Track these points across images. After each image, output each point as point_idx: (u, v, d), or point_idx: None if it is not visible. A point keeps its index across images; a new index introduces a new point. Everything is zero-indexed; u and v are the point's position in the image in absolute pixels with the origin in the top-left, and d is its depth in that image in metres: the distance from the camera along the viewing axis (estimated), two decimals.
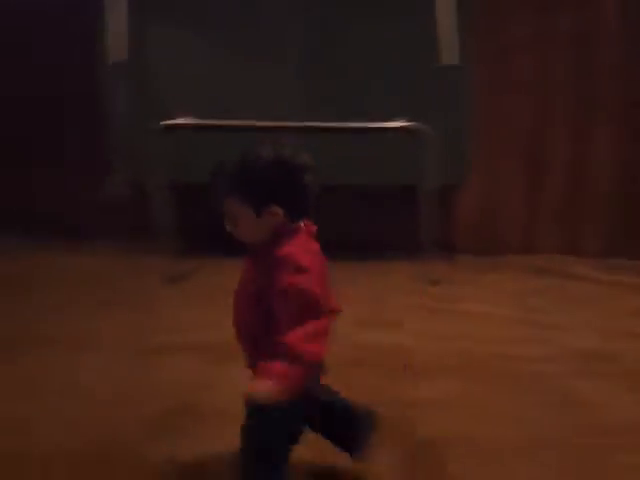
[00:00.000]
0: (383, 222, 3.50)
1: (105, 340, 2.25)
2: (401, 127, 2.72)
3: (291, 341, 1.13)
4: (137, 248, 3.30)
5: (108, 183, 3.42)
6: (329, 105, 2.84)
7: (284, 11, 2.81)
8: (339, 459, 1.45)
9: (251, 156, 1.24)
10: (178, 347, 2.19)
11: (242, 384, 1.83)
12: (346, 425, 1.43)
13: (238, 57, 2.79)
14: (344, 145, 2.86)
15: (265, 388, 1.11)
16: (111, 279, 2.94)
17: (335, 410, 1.43)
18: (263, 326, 1.21)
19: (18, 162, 3.56)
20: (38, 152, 3.53)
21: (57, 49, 3.32)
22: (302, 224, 1.26)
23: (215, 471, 1.45)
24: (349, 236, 3.32)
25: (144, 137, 2.75)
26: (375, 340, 2.28)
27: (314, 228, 1.30)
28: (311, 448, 1.41)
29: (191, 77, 2.78)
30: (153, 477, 1.43)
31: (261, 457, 1.26)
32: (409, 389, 1.88)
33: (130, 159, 2.88)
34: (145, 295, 2.73)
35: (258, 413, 1.21)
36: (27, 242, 3.48)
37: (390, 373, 2.00)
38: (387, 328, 2.42)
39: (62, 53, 3.32)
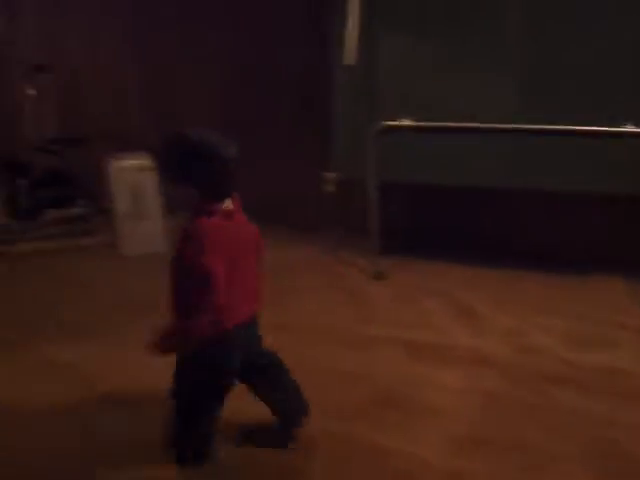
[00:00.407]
0: (599, 232, 3.19)
1: (321, 323, 2.45)
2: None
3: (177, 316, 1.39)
4: (343, 243, 3.51)
5: (326, 179, 3.67)
6: (548, 107, 2.70)
7: (506, 10, 2.73)
8: None
9: (175, 139, 1.42)
10: (389, 341, 2.31)
11: (448, 384, 1.87)
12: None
13: (459, 59, 2.79)
14: (569, 150, 2.70)
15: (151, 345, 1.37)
16: (327, 268, 3.16)
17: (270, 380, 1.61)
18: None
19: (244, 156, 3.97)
20: (263, 146, 3.89)
21: (293, 51, 3.64)
22: (221, 204, 1.40)
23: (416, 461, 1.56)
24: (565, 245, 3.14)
25: (364, 137, 2.90)
26: (584, 359, 2.16)
27: (231, 208, 1.43)
28: None
29: (412, 79, 2.85)
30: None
31: (185, 399, 1.47)
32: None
33: (348, 158, 3.03)
34: (356, 288, 2.88)
35: (181, 362, 1.46)
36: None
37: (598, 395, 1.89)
38: (599, 347, 2.27)
39: (296, 55, 3.63)
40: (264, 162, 3.88)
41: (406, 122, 2.81)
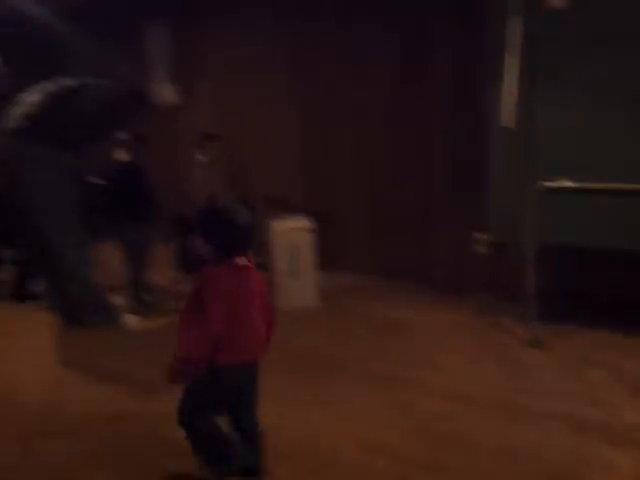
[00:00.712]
0: None
1: (478, 392, 2.40)
2: None
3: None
4: (496, 306, 3.44)
5: (478, 241, 3.65)
6: None
7: None
8: None
9: (204, 211, 1.89)
10: (554, 416, 2.20)
11: (622, 467, 1.73)
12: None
13: (619, 120, 2.69)
14: None
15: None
16: (476, 334, 3.09)
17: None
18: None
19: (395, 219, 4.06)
20: (416, 209, 3.96)
21: (448, 115, 3.72)
22: (233, 259, 1.70)
23: None
24: None
25: (522, 199, 2.87)
26: None
27: (241, 264, 1.70)
28: None
29: (571, 141, 2.79)
30: None
31: (190, 418, 1.73)
32: None
33: (504, 220, 3.00)
34: (511, 355, 2.79)
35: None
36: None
37: None
38: None
39: (452, 118, 3.70)
40: (416, 224, 3.96)
41: (566, 183, 2.74)
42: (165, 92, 5.08)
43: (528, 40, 2.78)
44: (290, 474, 1.89)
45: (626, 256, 2.98)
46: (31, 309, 3.66)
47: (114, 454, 2.04)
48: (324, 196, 4.46)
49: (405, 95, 3.88)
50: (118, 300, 3.63)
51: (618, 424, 2.12)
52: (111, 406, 2.36)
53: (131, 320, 3.35)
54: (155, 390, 2.46)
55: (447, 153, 3.76)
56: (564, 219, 2.83)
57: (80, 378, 2.67)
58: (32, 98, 3.00)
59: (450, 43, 3.59)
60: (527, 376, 2.56)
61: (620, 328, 3.00)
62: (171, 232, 4.24)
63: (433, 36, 3.66)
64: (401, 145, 3.97)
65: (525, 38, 2.77)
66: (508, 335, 3.04)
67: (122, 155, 3.79)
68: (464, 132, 3.65)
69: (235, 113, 4.80)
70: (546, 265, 3.27)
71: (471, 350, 2.87)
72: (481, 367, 2.66)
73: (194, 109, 5.14)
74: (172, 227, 4.23)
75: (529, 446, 2.00)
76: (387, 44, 3.87)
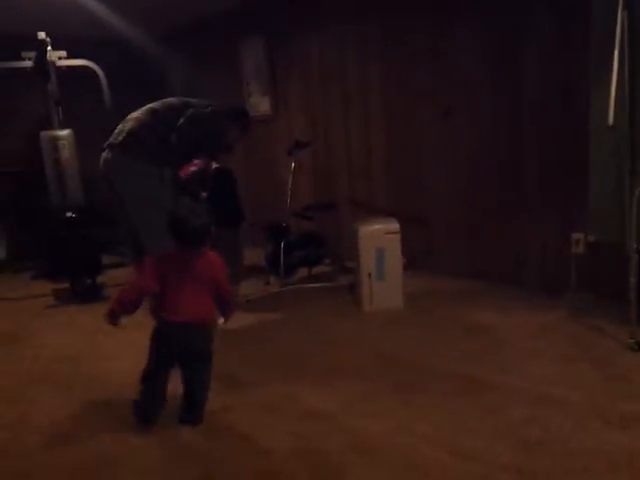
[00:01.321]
0: None
1: (570, 396, 2.31)
2: None
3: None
4: (592, 309, 3.30)
5: (575, 241, 3.53)
6: None
7: None
8: None
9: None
10: None
11: None
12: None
13: None
14: None
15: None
16: (570, 337, 2.97)
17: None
18: None
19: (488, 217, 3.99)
20: (512, 207, 3.86)
21: (544, 116, 3.62)
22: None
23: None
24: None
25: (623, 198, 2.75)
26: None
27: (182, 255, 2.32)
28: None
29: None
30: None
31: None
32: None
33: (604, 220, 2.87)
34: (606, 358, 2.67)
35: None
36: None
37: None
38: None
39: (549, 119, 3.60)
40: (508, 220, 3.87)
41: None
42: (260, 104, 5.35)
43: (632, 31, 2.64)
44: (381, 476, 1.91)
45: None
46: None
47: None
48: (411, 197, 4.46)
49: (497, 94, 3.81)
50: None
51: None
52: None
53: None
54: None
55: (542, 151, 3.65)
56: None
57: None
58: (136, 115, 3.23)
59: (549, 41, 3.48)
60: (625, 380, 2.43)
61: None
62: (265, 237, 4.41)
63: (529, 35, 3.56)
64: (493, 144, 3.89)
65: (629, 29, 2.64)
66: (605, 338, 2.90)
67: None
68: (560, 129, 3.53)
69: (325, 119, 4.90)
70: None
71: (565, 353, 2.76)
72: (575, 371, 2.56)
73: (288, 118, 5.33)
74: (265, 233, 4.40)
75: (625, 452, 1.91)
76: (482, 44, 3.82)
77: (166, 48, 6.22)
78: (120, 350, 3.20)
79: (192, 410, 2.33)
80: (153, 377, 2.30)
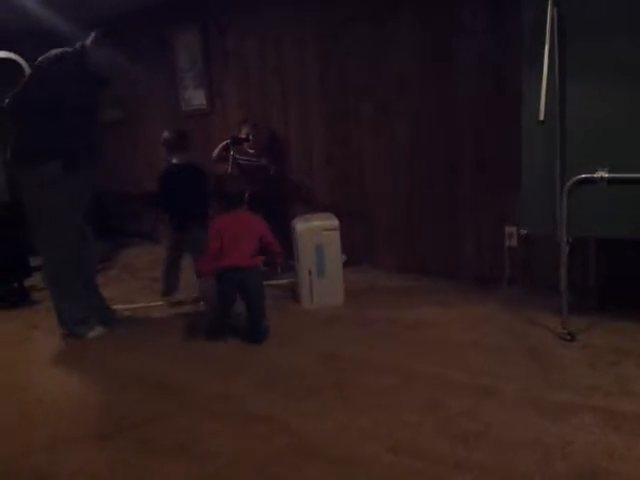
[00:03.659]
0: None
1: (506, 387, 2.36)
2: None
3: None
4: (526, 300, 3.40)
5: (508, 234, 3.62)
6: None
7: None
8: None
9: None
10: (585, 409, 2.16)
11: None
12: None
13: None
14: None
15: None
16: (505, 328, 3.04)
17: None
18: None
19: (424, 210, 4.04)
20: (445, 201, 3.92)
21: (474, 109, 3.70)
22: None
23: None
24: None
25: (554, 191, 2.81)
26: None
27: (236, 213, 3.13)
28: None
29: (603, 130, 2.72)
30: None
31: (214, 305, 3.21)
32: None
33: (536, 213, 2.94)
34: (542, 348, 2.74)
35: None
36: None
37: None
38: None
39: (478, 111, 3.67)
40: (445, 215, 3.93)
41: (602, 174, 2.68)
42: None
43: (561, 28, 2.71)
44: (318, 475, 1.89)
45: None
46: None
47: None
48: (351, 193, 4.46)
49: (433, 90, 3.85)
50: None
51: None
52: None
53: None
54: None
55: (475, 147, 3.72)
56: (598, 210, 2.75)
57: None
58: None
59: (480, 35, 3.54)
60: (558, 370, 2.50)
61: None
62: None
63: (463, 28, 3.61)
64: (430, 140, 3.93)
65: (558, 26, 2.70)
66: (539, 329, 2.97)
67: (178, 157, 3.74)
68: (493, 123, 3.60)
69: (263, 114, 4.83)
70: (579, 257, 3.21)
71: (499, 344, 2.82)
72: (510, 362, 2.61)
73: (224, 113, 5.22)
74: None
75: (560, 441, 1.96)
76: (418, 40, 3.84)
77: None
78: (50, 358, 3.05)
79: (255, 330, 3.08)
80: (222, 311, 3.13)
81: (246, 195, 3.27)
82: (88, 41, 3.11)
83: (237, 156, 4.38)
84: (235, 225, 3.05)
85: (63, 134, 3.06)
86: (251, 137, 4.42)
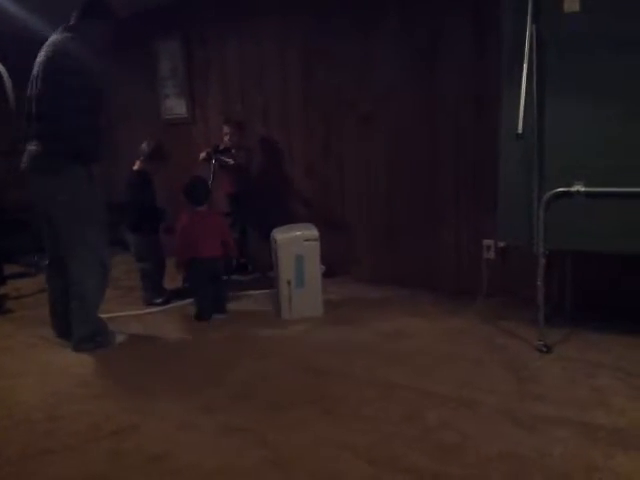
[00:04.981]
0: None
1: (483, 399, 2.36)
2: None
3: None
4: (503, 312, 3.43)
5: (485, 246, 3.66)
6: None
7: None
8: None
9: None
10: (561, 421, 2.17)
11: (633, 474, 1.70)
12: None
13: (633, 122, 2.66)
14: None
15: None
16: (482, 340, 3.05)
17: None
18: None
19: (406, 222, 4.05)
20: (424, 213, 3.95)
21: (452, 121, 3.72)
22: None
23: None
24: None
25: (531, 204, 2.85)
26: None
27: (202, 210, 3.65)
28: None
29: (581, 144, 2.76)
30: None
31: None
32: None
33: (513, 225, 2.97)
34: (519, 361, 2.76)
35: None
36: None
37: None
38: None
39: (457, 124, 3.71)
40: (424, 228, 3.95)
41: (578, 188, 2.72)
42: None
43: (540, 44, 2.76)
44: None
45: (636, 260, 2.94)
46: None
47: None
48: (331, 204, 4.46)
49: (414, 103, 3.88)
50: None
51: (628, 430, 2.08)
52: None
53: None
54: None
55: (454, 159, 3.75)
56: (574, 224, 2.79)
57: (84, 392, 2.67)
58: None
59: (460, 47, 3.59)
60: (534, 382, 2.52)
61: (630, 332, 2.96)
62: None
63: (445, 39, 3.66)
64: (410, 153, 3.96)
65: (537, 42, 2.75)
66: (516, 341, 3.00)
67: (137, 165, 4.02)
68: (472, 137, 3.65)
69: (244, 123, 4.82)
70: (556, 270, 3.25)
71: (476, 356, 2.83)
72: (488, 374, 2.62)
73: (205, 122, 5.20)
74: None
75: (536, 453, 1.96)
76: (401, 53, 3.89)
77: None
78: (23, 368, 2.98)
79: (220, 307, 3.64)
80: (202, 291, 3.59)
81: (213, 194, 4.00)
82: (79, 22, 3.02)
83: (220, 157, 4.38)
84: (202, 221, 3.58)
85: (94, 124, 3.02)
86: (230, 139, 4.44)
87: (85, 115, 2.93)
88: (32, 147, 2.96)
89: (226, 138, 4.45)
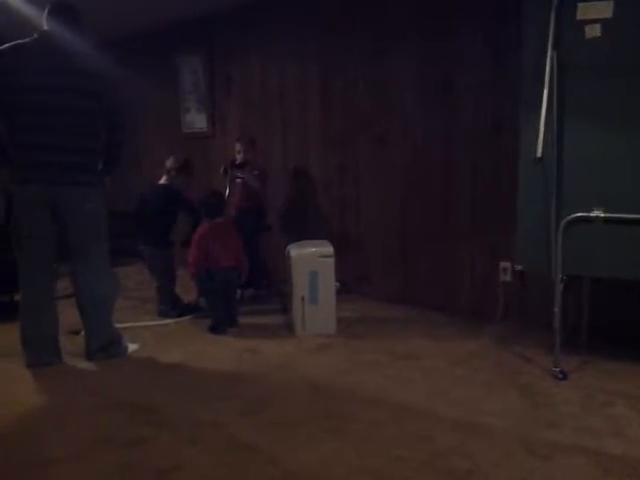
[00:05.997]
0: None
1: (496, 424, 2.32)
2: None
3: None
4: (519, 337, 3.39)
5: (502, 270, 3.62)
6: None
7: None
8: None
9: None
10: (575, 450, 2.13)
11: None
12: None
13: None
14: None
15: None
16: (497, 365, 3.02)
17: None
18: None
19: (420, 245, 4.04)
20: (441, 235, 3.93)
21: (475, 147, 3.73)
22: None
23: None
24: None
25: (550, 229, 2.83)
26: None
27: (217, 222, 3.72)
28: None
29: (599, 170, 2.74)
30: None
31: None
32: None
33: (531, 250, 2.95)
34: (534, 386, 2.71)
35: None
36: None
37: None
38: None
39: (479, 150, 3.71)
40: (440, 248, 3.93)
41: (598, 213, 2.70)
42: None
43: (560, 69, 2.75)
44: None
45: None
46: None
47: None
48: (346, 221, 4.47)
49: (432, 123, 3.89)
50: None
51: None
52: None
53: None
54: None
55: (471, 181, 3.75)
56: (593, 250, 2.76)
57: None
58: None
59: (479, 71, 3.60)
60: (549, 409, 2.47)
61: None
62: None
63: (463, 60, 3.68)
64: (426, 173, 3.96)
65: (557, 67, 2.74)
66: (531, 366, 2.96)
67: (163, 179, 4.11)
68: (489, 159, 3.64)
69: (263, 140, 4.85)
70: (573, 296, 3.21)
71: (491, 381, 2.79)
72: (501, 399, 2.59)
73: (225, 137, 5.25)
74: None
75: None
76: (419, 73, 3.91)
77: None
78: (26, 379, 2.99)
79: (232, 320, 3.69)
80: (218, 304, 3.65)
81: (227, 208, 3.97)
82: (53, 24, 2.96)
83: (235, 172, 4.40)
84: (218, 233, 3.66)
85: (123, 139, 3.19)
86: (243, 156, 4.44)
87: (114, 130, 3.09)
88: (55, 159, 2.91)
89: (239, 156, 4.45)
